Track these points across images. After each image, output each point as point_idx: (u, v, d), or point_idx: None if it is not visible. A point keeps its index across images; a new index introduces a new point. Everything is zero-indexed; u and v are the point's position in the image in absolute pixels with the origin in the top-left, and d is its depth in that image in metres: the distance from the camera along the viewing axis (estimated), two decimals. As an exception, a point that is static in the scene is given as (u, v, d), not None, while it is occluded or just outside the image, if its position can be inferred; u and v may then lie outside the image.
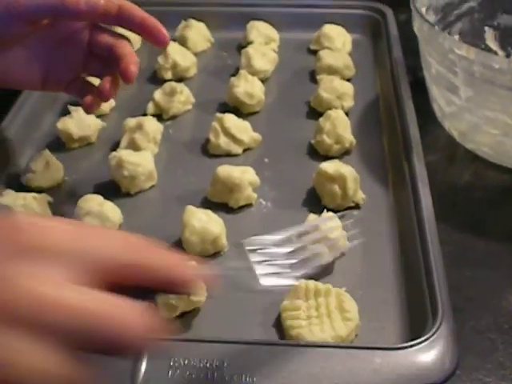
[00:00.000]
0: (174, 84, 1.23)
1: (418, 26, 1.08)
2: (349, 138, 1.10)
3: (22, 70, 0.95)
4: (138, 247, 0.55)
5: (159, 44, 0.94)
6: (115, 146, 1.15)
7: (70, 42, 0.97)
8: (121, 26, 0.93)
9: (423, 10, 1.10)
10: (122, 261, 0.53)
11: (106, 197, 1.00)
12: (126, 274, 0.53)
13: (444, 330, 0.76)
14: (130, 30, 0.93)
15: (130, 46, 0.96)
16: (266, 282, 0.76)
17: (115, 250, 0.53)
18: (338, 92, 1.20)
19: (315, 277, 0.88)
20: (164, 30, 0.93)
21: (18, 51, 0.94)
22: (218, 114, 1.13)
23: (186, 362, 0.72)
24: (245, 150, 1.14)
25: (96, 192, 1.02)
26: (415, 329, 0.81)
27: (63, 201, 1.05)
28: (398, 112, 1.14)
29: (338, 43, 1.39)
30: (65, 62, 0.98)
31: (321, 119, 1.12)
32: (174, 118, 1.23)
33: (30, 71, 0.96)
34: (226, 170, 1.00)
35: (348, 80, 1.28)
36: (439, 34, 1.01)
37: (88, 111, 1.00)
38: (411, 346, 0.75)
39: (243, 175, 1.00)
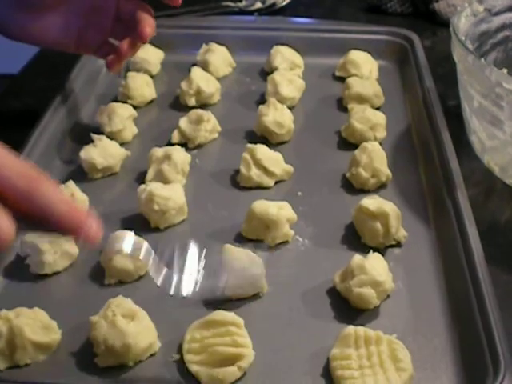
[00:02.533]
0: (200, 112, 1.18)
1: (459, 57, 1.04)
2: (386, 171, 1.06)
3: (58, 33, 1.10)
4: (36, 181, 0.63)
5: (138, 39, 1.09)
6: (140, 177, 1.11)
7: (100, 9, 1.12)
8: None
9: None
10: (20, 190, 0.61)
11: (135, 232, 0.95)
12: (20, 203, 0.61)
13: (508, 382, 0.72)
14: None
15: (151, 12, 1.10)
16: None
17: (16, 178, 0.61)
18: (371, 122, 1.16)
19: (361, 321, 0.84)
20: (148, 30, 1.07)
21: (56, 16, 1.09)
22: (249, 145, 1.09)
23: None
24: (277, 182, 1.09)
25: (124, 226, 0.98)
26: (473, 379, 0.76)
27: (90, 236, 1.00)
28: (435, 143, 1.10)
29: (364, 70, 1.35)
30: (95, 27, 1.13)
31: (356, 152, 1.07)
32: (199, 146, 1.19)
33: (65, 34, 1.11)
34: (262, 206, 0.96)
35: (377, 109, 1.24)
36: (485, 67, 0.97)
37: (109, 68, 1.14)
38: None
39: (280, 212, 0.95)
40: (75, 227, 0.68)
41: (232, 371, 0.77)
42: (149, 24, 1.07)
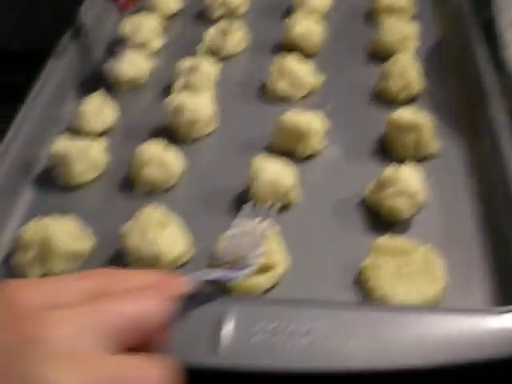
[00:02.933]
0: (227, 22, 1.16)
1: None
2: (417, 83, 1.04)
3: None
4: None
5: None
6: (167, 89, 1.09)
7: None
8: None
9: None
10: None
11: (165, 143, 0.94)
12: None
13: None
14: None
15: None
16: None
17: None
18: (402, 34, 1.13)
19: (393, 232, 0.83)
20: None
21: None
22: (278, 56, 1.06)
23: (272, 325, 0.67)
24: (305, 95, 1.07)
25: (152, 137, 0.97)
26: (507, 292, 0.76)
27: (118, 147, 0.99)
28: (469, 55, 1.07)
29: (395, -19, 1.31)
30: None
31: (387, 63, 1.05)
32: (227, 58, 1.17)
33: None
34: (292, 117, 0.94)
35: (408, 20, 1.21)
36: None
37: (121, 11, 1.10)
38: (506, 312, 0.69)
39: (311, 123, 0.94)
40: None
41: (264, 279, 0.76)
42: None
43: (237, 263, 0.71)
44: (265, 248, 0.74)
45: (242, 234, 0.76)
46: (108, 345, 0.42)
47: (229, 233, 0.76)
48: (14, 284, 0.44)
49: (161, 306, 0.47)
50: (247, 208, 0.80)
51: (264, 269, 0.76)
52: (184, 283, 0.53)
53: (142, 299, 0.46)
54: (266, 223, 0.78)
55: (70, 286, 0.46)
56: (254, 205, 0.80)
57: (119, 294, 0.46)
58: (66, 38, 1.14)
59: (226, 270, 0.71)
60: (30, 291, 0.43)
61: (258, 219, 0.78)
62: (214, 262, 0.72)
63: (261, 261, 0.72)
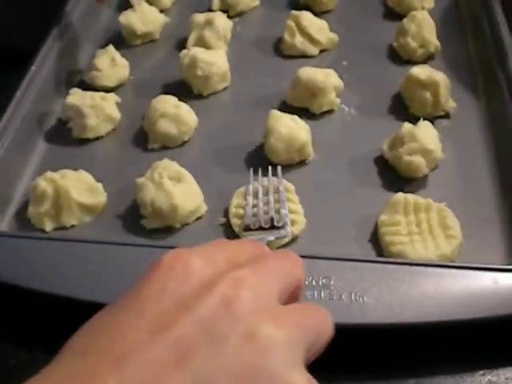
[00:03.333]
0: (241, -22, 1.14)
1: None
2: (434, 41, 1.02)
3: None
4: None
5: None
6: (180, 43, 1.08)
7: None
8: None
9: None
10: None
11: (179, 98, 0.93)
12: None
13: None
14: None
15: None
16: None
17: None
18: (419, -10, 1.11)
19: (409, 190, 0.82)
20: None
21: None
22: (294, 12, 1.05)
23: (290, 278, 0.67)
24: (321, 51, 1.06)
25: (165, 92, 0.96)
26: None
27: (131, 101, 0.99)
28: (486, 14, 1.06)
29: None
30: None
31: (405, 20, 1.03)
32: (241, 14, 1.15)
33: None
34: (308, 73, 0.93)
35: (425, -22, 1.19)
36: None
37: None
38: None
39: (327, 78, 0.93)
40: None
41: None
42: None
43: (269, 225, 0.74)
44: (286, 207, 0.76)
45: (262, 195, 0.78)
46: (281, 300, 0.44)
47: (249, 199, 0.78)
48: (176, 253, 0.44)
49: (301, 260, 0.49)
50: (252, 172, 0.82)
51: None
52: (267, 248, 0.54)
53: (290, 257, 0.49)
54: (277, 180, 0.80)
55: (217, 253, 0.46)
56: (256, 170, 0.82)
57: (267, 258, 0.48)
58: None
59: (267, 231, 0.73)
60: (195, 258, 0.44)
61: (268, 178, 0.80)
62: (247, 227, 0.74)
63: (288, 219, 0.75)
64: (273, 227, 0.74)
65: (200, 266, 0.43)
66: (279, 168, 0.82)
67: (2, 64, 1.09)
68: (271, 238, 0.73)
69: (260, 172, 0.82)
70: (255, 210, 0.77)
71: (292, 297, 0.47)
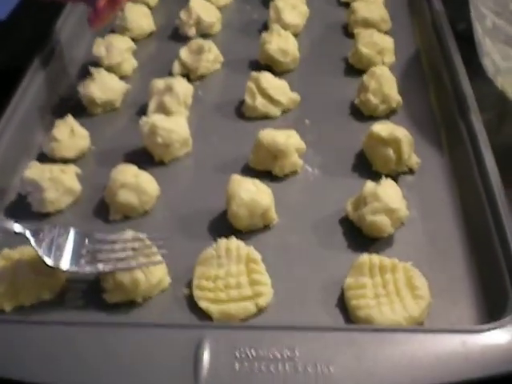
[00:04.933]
0: (201, 41, 1.14)
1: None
2: (396, 97, 1.02)
3: None
4: None
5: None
6: (142, 110, 1.07)
7: None
8: None
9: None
10: None
11: (140, 166, 0.92)
12: None
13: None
14: None
15: None
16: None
17: None
18: (379, 47, 1.12)
19: (375, 250, 0.81)
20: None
21: None
22: (254, 73, 1.05)
23: (254, 352, 0.65)
24: (283, 112, 1.05)
25: (127, 161, 0.95)
26: (493, 308, 0.74)
27: (92, 172, 0.97)
28: (446, 67, 1.06)
29: (370, -6, 1.30)
30: None
31: (365, 77, 1.03)
32: (202, 78, 1.15)
33: None
34: (269, 135, 0.92)
35: (384, 33, 1.19)
36: (499, -19, 0.93)
37: (90, 25, 1.06)
38: (495, 328, 0.68)
39: (288, 140, 0.92)
40: None
41: (246, 306, 0.74)
42: None
43: None
44: None
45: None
46: None
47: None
48: None
49: None
50: None
51: (248, 297, 0.74)
52: None
53: None
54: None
55: None
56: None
57: None
58: (39, 58, 1.11)
59: None
60: None
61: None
62: None
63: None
64: None
65: None
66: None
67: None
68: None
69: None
70: None
71: None
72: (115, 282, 0.77)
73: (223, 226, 0.86)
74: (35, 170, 0.90)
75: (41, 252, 0.76)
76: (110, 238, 0.80)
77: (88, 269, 0.77)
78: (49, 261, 0.76)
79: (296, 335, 0.67)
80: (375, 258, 0.77)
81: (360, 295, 0.74)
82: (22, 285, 0.78)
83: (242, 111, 1.06)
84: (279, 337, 0.66)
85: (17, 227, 0.76)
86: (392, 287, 0.74)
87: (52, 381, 0.66)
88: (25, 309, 0.79)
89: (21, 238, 0.82)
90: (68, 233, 0.80)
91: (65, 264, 0.77)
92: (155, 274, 0.78)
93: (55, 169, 0.91)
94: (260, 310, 0.75)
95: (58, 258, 0.77)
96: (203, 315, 0.75)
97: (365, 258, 0.77)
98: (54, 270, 0.79)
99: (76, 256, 0.78)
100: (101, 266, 0.77)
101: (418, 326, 0.71)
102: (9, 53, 1.30)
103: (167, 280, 0.79)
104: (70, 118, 1.00)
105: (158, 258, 0.78)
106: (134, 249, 0.78)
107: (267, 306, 0.76)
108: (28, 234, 0.77)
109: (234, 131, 1.03)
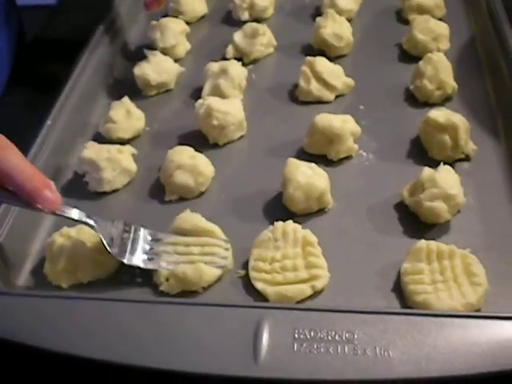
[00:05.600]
0: (255, 25, 1.14)
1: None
2: (451, 83, 1.01)
3: None
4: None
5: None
6: (196, 93, 1.08)
7: None
8: None
9: None
10: None
11: (194, 148, 0.93)
12: None
13: None
14: None
15: None
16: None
17: None
18: (434, 33, 1.11)
19: (431, 236, 0.81)
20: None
21: None
22: (309, 58, 1.04)
23: (312, 333, 0.65)
24: (337, 97, 1.05)
25: (182, 143, 0.96)
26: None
27: (147, 153, 0.98)
28: (502, 53, 1.05)
29: (424, -20, 1.28)
30: None
31: (421, 63, 1.03)
32: (255, 61, 1.15)
33: None
34: (325, 120, 0.92)
35: (439, 19, 1.18)
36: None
37: (148, 8, 1.09)
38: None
39: (344, 125, 0.92)
40: (39, 188, 0.72)
41: (302, 289, 0.74)
42: None
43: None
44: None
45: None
46: None
47: None
48: None
49: None
50: None
51: (304, 280, 0.75)
52: None
53: None
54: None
55: None
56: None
57: None
58: (95, 41, 1.13)
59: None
60: None
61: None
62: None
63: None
64: None
65: None
66: None
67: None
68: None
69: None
70: None
71: None
72: (177, 275, 0.77)
73: (278, 208, 0.86)
74: (93, 150, 0.91)
75: (105, 242, 0.77)
76: (173, 240, 0.80)
77: (150, 266, 0.78)
78: (114, 251, 0.77)
79: (355, 318, 0.67)
80: (433, 244, 0.76)
81: (417, 280, 0.74)
82: (80, 263, 0.79)
83: (295, 95, 1.06)
84: (339, 319, 0.66)
85: (89, 220, 0.77)
86: (449, 273, 0.74)
87: (108, 358, 0.67)
88: (81, 286, 0.80)
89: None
90: (133, 229, 0.81)
91: (128, 258, 0.78)
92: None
93: (112, 149, 0.92)
94: (316, 293, 0.76)
95: (122, 251, 0.78)
96: (258, 296, 0.76)
97: (422, 243, 0.77)
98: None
99: (139, 251, 0.79)
100: (164, 264, 0.78)
101: (476, 313, 0.70)
102: (70, 25, 1.32)
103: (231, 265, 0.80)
104: (126, 100, 1.01)
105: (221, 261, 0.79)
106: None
107: (323, 288, 0.76)
108: (94, 224, 0.77)
109: (287, 115, 1.03)
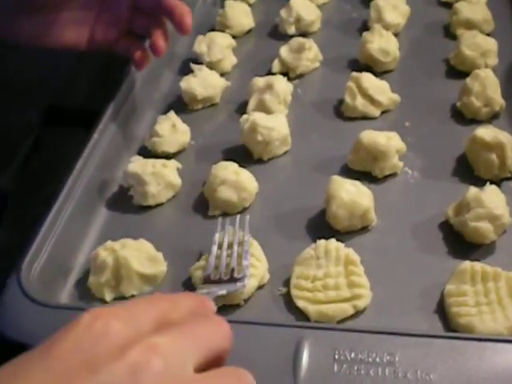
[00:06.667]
0: (301, 40, 1.14)
1: None
2: (499, 100, 1.00)
3: (68, 32, 0.94)
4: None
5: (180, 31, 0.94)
6: (241, 107, 1.08)
7: (113, 0, 0.96)
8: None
9: None
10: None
11: (239, 163, 0.93)
12: None
13: None
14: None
15: None
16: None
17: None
18: (482, 49, 1.09)
19: (476, 256, 0.80)
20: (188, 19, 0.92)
21: (65, 14, 0.92)
22: (354, 73, 1.04)
23: (353, 354, 0.65)
24: (382, 113, 1.05)
25: (226, 158, 0.96)
26: None
27: (192, 167, 0.99)
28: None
29: (473, -6, 1.27)
30: (110, 20, 0.96)
31: (468, 79, 1.01)
32: (301, 76, 1.15)
33: (76, 32, 0.95)
34: (370, 136, 0.92)
35: (487, 35, 1.17)
36: None
37: (139, 68, 1.01)
38: None
39: (389, 142, 0.91)
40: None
41: (344, 308, 0.74)
42: (185, 12, 0.93)
43: (229, 276, 0.74)
44: (249, 258, 0.77)
45: (224, 249, 0.79)
46: (199, 367, 0.45)
47: (214, 249, 0.79)
48: (97, 313, 0.44)
49: (229, 329, 0.49)
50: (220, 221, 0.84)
51: (346, 299, 0.74)
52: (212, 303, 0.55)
53: (218, 325, 0.49)
54: (241, 234, 0.80)
55: (143, 313, 0.46)
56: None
57: (195, 321, 0.48)
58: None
59: (223, 284, 0.73)
60: (115, 320, 0.43)
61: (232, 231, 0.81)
62: (207, 278, 0.75)
63: (249, 271, 0.76)
64: (232, 279, 0.74)
65: (119, 327, 0.43)
66: (247, 218, 0.82)
67: (64, 127, 1.11)
68: (222, 291, 0.72)
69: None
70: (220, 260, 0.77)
71: (214, 363, 0.46)
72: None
73: (321, 225, 0.86)
74: (138, 164, 0.92)
75: None
76: None
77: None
78: None
79: (397, 340, 0.66)
80: (477, 266, 0.75)
81: (461, 303, 0.73)
82: (124, 276, 0.80)
83: (340, 110, 1.06)
84: (380, 341, 0.66)
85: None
86: (494, 296, 0.73)
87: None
88: (124, 299, 0.80)
89: (122, 232, 0.85)
90: None
91: None
92: (257, 277, 0.78)
93: (157, 163, 0.93)
94: (357, 312, 0.75)
95: None
96: (300, 314, 0.76)
97: (467, 265, 0.76)
98: (155, 263, 0.81)
99: None
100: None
101: (520, 337, 0.69)
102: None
103: (267, 276, 0.80)
104: (172, 114, 1.02)
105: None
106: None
107: (365, 308, 0.75)
108: None
109: (332, 130, 1.03)
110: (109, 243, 0.83)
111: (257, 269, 0.79)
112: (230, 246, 0.79)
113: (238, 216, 0.84)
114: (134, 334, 0.43)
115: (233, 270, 0.75)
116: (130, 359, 0.41)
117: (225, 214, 0.90)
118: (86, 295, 0.81)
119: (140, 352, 0.42)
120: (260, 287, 0.79)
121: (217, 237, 0.81)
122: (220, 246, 0.79)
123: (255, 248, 0.81)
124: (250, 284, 0.77)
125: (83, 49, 0.96)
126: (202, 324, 0.48)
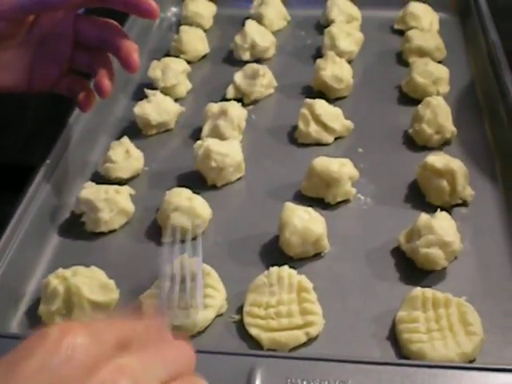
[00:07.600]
0: (256, 66, 1.15)
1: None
2: (450, 127, 1.02)
3: (5, 74, 0.88)
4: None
5: (148, 15, 0.85)
6: (195, 133, 1.08)
7: (54, 37, 0.90)
8: (104, 5, 0.86)
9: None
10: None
11: (192, 189, 0.93)
12: None
13: None
14: (115, 8, 0.86)
15: (122, 31, 0.90)
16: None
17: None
18: (434, 76, 1.11)
19: (427, 283, 0.80)
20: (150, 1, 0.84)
21: (1, 54, 0.86)
22: (308, 100, 1.05)
23: (305, 383, 0.65)
24: (336, 139, 1.05)
25: (180, 184, 0.96)
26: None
27: (145, 193, 0.98)
28: (501, 98, 1.05)
29: (425, 23, 1.30)
30: (50, 59, 0.91)
31: (420, 107, 1.03)
32: (255, 102, 1.16)
33: (14, 73, 0.89)
34: (323, 163, 0.92)
35: (439, 63, 1.19)
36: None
37: (84, 110, 0.95)
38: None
39: (342, 169, 0.92)
40: None
41: (296, 335, 0.74)
42: (133, 49, 0.87)
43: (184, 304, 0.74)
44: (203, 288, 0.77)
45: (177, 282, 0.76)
46: None
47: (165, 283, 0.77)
48: (66, 329, 0.43)
49: (193, 351, 0.50)
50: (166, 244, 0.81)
51: (299, 326, 0.74)
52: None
53: (182, 345, 0.50)
54: (192, 260, 0.79)
55: (107, 331, 0.45)
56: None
57: (160, 343, 0.48)
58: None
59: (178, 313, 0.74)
60: (83, 337, 0.42)
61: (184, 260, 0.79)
62: (163, 305, 0.74)
63: (202, 301, 0.76)
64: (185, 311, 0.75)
65: (86, 346, 0.42)
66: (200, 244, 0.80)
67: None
68: (176, 322, 0.73)
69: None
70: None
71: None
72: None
73: (274, 252, 0.86)
74: (91, 191, 0.91)
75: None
76: None
77: None
78: None
79: (348, 367, 0.66)
80: (428, 292, 0.76)
81: (412, 329, 0.73)
82: (75, 304, 0.79)
83: (294, 137, 1.06)
84: (331, 368, 0.66)
85: None
86: (445, 322, 0.74)
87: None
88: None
89: (74, 259, 0.84)
90: None
91: None
92: (214, 308, 0.78)
93: (110, 189, 0.92)
94: (310, 340, 0.75)
95: None
96: (253, 342, 0.75)
97: (418, 291, 0.76)
98: (107, 291, 0.80)
99: None
100: None
101: (471, 364, 0.70)
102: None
103: (225, 307, 0.80)
104: (125, 140, 1.01)
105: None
106: None
107: (318, 335, 0.76)
108: None
109: (286, 157, 1.04)
110: (60, 271, 0.81)
111: (215, 299, 0.78)
112: (183, 279, 0.77)
113: (190, 243, 0.83)
114: (101, 351, 0.43)
115: (186, 303, 0.74)
116: (99, 380, 0.41)
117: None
118: (37, 323, 0.80)
119: (109, 372, 0.41)
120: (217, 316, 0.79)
121: (168, 268, 0.79)
122: (171, 278, 0.78)
123: (213, 278, 0.80)
124: (207, 316, 0.77)
125: (23, 90, 0.91)
126: (168, 346, 0.48)
